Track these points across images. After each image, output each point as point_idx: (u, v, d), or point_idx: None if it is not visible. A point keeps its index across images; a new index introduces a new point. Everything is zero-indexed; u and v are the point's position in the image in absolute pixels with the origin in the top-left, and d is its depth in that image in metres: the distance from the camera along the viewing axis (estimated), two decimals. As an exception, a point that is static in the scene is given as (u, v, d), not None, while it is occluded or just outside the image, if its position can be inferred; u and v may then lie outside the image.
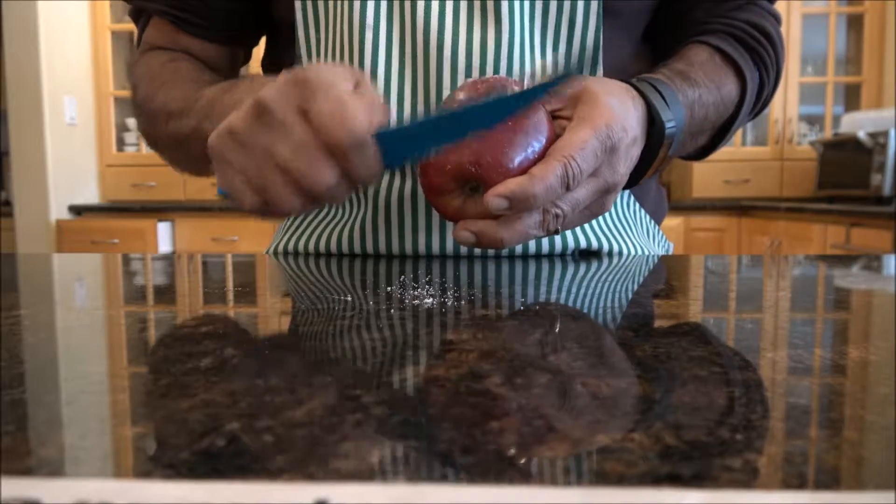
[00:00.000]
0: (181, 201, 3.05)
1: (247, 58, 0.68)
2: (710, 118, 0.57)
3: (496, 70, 0.53)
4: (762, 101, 0.64)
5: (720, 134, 0.61)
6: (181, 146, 0.56)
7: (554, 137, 0.43)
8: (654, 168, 0.51)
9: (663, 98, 0.49)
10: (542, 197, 0.39)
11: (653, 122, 0.48)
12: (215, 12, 0.61)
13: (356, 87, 0.40)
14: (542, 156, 0.41)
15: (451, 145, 0.40)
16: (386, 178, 0.57)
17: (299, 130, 0.38)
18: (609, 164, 0.43)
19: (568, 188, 0.41)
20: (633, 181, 0.50)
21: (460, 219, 0.42)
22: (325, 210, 0.63)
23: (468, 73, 0.54)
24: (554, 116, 0.45)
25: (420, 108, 0.55)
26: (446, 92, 0.54)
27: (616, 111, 0.43)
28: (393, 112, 0.54)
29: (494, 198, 0.39)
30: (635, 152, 0.46)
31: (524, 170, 0.41)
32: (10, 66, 2.75)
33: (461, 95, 0.44)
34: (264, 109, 0.38)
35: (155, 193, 3.08)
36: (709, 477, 0.15)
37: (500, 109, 0.39)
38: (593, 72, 0.56)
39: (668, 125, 0.48)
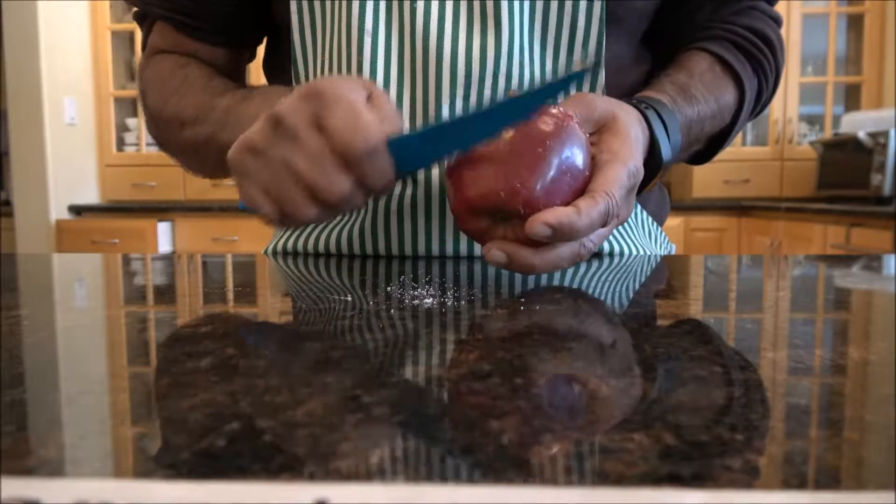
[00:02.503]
0: (181, 201, 3.05)
1: (251, 56, 0.68)
2: (706, 131, 0.58)
3: (495, 76, 0.53)
4: (760, 105, 0.65)
5: (718, 141, 0.62)
6: (197, 153, 0.58)
7: (591, 167, 0.42)
8: (643, 191, 0.51)
9: (666, 129, 0.50)
10: (585, 231, 0.39)
11: (651, 152, 0.49)
12: (214, 16, 0.61)
13: (369, 99, 0.41)
14: (581, 186, 0.41)
15: (464, 150, 0.40)
16: None
17: (314, 142, 0.39)
18: (626, 201, 0.43)
19: (605, 224, 0.41)
20: None
21: (486, 238, 0.41)
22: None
23: (467, 79, 0.53)
24: None
25: (419, 112, 0.54)
26: (445, 98, 0.53)
27: (636, 150, 0.44)
28: None
29: (539, 225, 0.38)
30: None
31: (564, 199, 0.40)
32: (10, 66, 2.75)
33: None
34: (279, 122, 0.40)
35: (155, 193, 3.08)
36: (709, 477, 0.15)
37: (511, 112, 0.38)
38: (594, 78, 0.56)
39: (664, 158, 0.49)
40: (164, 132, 0.61)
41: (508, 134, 0.39)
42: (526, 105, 0.38)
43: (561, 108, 0.41)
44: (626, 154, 0.43)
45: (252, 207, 0.42)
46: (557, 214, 0.38)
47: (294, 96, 0.40)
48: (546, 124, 0.40)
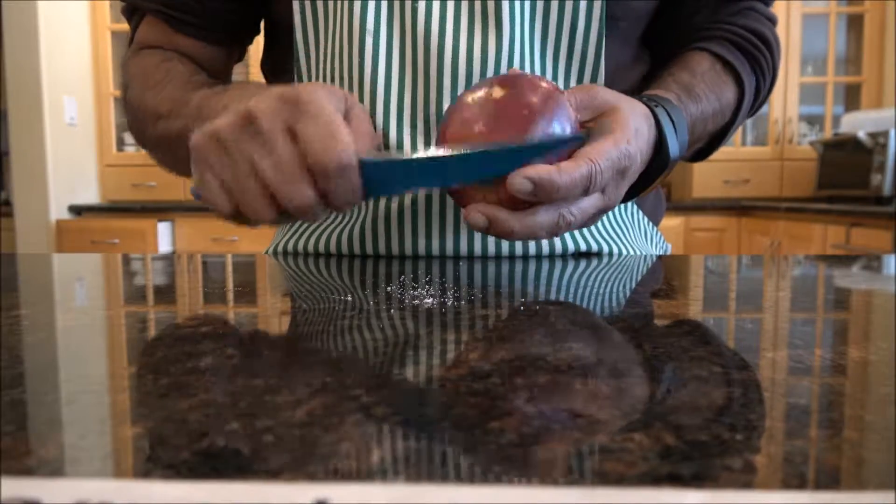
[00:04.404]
0: (181, 201, 3.04)
1: (240, 56, 0.67)
2: (708, 129, 0.59)
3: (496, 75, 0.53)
4: (758, 103, 0.66)
5: (717, 138, 0.63)
6: (170, 147, 0.56)
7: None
8: (651, 188, 0.52)
9: (674, 126, 0.50)
10: (565, 191, 0.39)
11: (659, 149, 0.49)
12: (212, 13, 0.61)
13: (348, 114, 0.40)
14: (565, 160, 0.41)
15: (435, 187, 0.40)
16: None
17: (284, 148, 0.38)
18: (615, 183, 0.44)
19: (586, 192, 0.41)
20: (627, 198, 0.52)
21: (466, 199, 0.42)
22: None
23: (468, 79, 0.53)
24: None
25: (419, 111, 0.54)
26: (446, 97, 0.53)
27: (637, 136, 0.45)
28: (392, 118, 0.54)
29: (521, 179, 0.38)
30: (635, 177, 0.48)
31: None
32: (10, 66, 2.75)
33: (478, 93, 0.43)
34: (252, 120, 0.39)
35: (155, 193, 3.08)
36: (709, 477, 0.15)
37: (493, 161, 0.39)
38: (594, 78, 0.56)
39: (672, 155, 0.49)
40: (141, 126, 0.59)
41: (499, 95, 0.40)
42: (509, 157, 0.39)
43: (552, 83, 0.43)
44: (619, 135, 0.43)
45: (205, 197, 0.41)
46: (538, 170, 0.39)
47: (272, 97, 0.39)
48: (537, 96, 0.40)
